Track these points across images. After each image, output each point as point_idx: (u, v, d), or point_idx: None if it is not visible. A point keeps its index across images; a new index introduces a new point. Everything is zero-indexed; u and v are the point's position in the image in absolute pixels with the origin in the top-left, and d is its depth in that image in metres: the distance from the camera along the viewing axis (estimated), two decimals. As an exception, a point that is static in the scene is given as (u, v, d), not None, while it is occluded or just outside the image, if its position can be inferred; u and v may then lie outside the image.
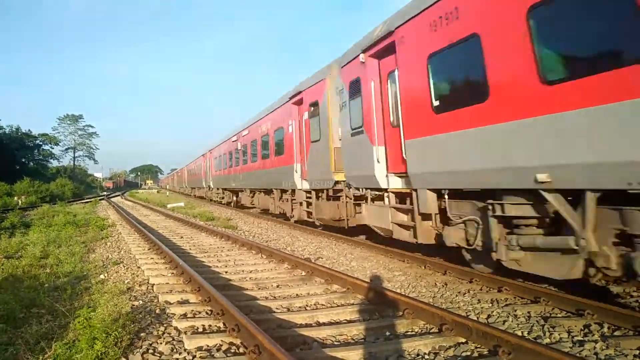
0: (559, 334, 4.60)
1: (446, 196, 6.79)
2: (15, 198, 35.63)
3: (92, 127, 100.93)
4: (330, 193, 11.36)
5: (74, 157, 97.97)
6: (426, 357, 4.23)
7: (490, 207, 5.94)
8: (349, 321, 5.27)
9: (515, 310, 5.37)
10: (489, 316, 5.28)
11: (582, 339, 4.47)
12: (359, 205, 10.19)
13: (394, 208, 8.25)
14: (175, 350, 4.43)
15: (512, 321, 5.05)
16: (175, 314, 5.56)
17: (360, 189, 9.58)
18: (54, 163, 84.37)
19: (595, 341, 4.36)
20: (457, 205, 6.76)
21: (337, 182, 10.88)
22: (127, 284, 7.23)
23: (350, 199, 10.57)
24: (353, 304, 5.86)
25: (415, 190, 7.40)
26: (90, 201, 37.81)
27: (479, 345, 4.32)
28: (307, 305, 5.95)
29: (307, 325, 5.13)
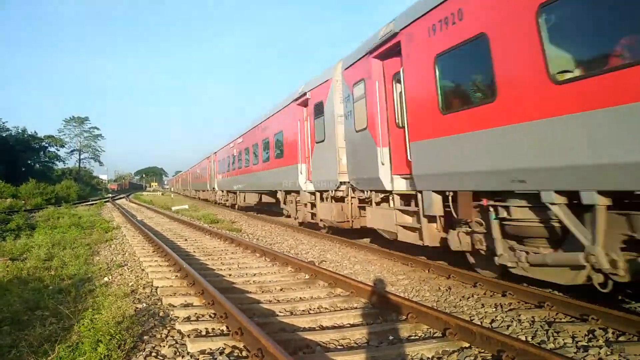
0: (563, 339, 4.57)
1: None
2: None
3: (97, 129, 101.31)
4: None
5: (80, 159, 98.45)
6: (429, 361, 4.21)
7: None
8: (352, 325, 5.26)
9: (519, 315, 5.34)
10: (492, 321, 5.25)
11: (586, 344, 4.44)
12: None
13: (399, 210, 8.28)
14: (178, 354, 4.43)
15: (516, 326, 5.02)
16: (178, 317, 5.57)
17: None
18: (60, 165, 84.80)
19: (600, 346, 4.33)
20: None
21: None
22: (131, 287, 7.25)
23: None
24: (356, 308, 5.85)
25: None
26: (95, 203, 38.02)
27: (482, 350, 4.30)
28: (310, 309, 5.94)
29: (310, 329, 5.13)
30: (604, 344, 4.40)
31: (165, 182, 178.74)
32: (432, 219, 7.34)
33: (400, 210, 8.27)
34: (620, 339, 4.57)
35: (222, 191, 29.53)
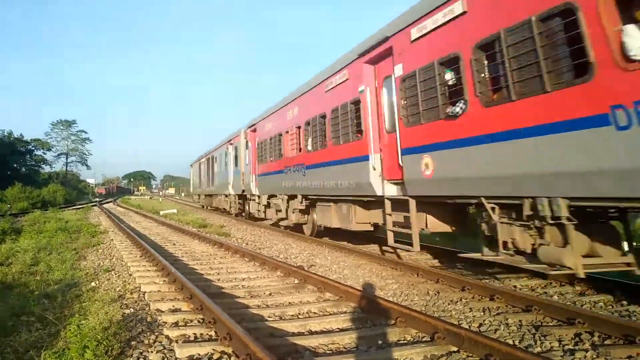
0: (550, 343, 4.62)
1: None
2: None
3: (85, 132, 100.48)
4: None
5: (67, 163, 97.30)
6: (418, 366, 4.23)
7: None
8: (341, 330, 5.26)
9: (507, 319, 5.39)
10: (480, 325, 5.29)
11: (572, 347, 4.49)
12: None
13: None
14: (166, 359, 4.40)
15: (503, 330, 5.06)
16: (166, 323, 5.52)
17: None
18: (46, 169, 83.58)
19: (586, 350, 4.38)
20: None
21: None
22: (119, 292, 7.17)
23: None
24: (345, 312, 5.85)
25: None
26: (83, 207, 37.54)
27: (470, 354, 4.33)
28: (299, 314, 5.93)
29: (299, 334, 5.12)
30: (590, 347, 4.46)
31: (154, 186, 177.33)
32: None
33: None
34: (607, 342, 4.63)
35: None
